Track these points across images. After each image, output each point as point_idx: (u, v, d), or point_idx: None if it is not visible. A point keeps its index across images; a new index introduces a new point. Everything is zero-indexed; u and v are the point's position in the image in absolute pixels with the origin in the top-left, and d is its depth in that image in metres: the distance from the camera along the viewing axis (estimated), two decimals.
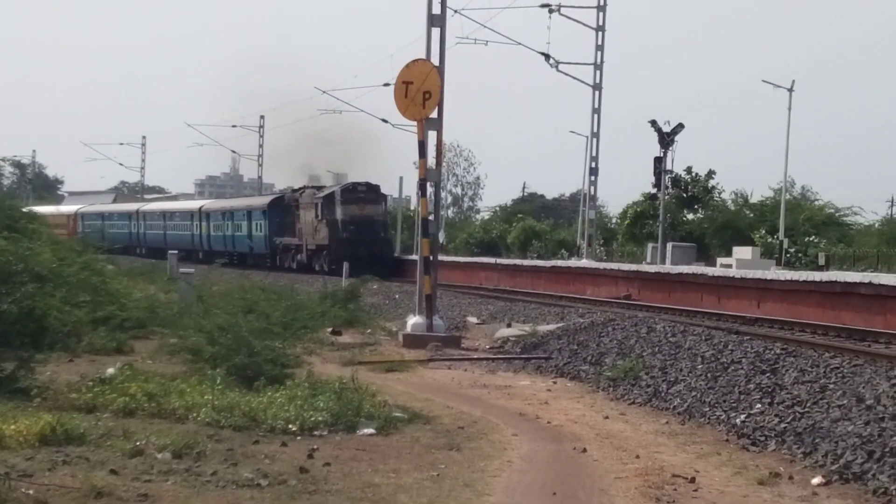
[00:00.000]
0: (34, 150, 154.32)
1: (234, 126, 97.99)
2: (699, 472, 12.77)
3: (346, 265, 53.32)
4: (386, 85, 46.73)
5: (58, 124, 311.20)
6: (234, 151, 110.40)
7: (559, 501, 11.26)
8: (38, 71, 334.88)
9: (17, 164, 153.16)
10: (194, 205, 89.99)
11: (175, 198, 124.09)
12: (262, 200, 75.88)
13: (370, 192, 62.08)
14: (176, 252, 63.52)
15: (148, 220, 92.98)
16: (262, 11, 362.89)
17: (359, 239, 58.19)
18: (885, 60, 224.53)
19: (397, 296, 40.85)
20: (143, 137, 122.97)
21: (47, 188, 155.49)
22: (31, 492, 10.08)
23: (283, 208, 70.22)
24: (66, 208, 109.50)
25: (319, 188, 68.53)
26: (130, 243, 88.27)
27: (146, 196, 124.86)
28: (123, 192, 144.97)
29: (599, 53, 54.89)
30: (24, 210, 34.34)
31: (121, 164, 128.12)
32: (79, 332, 20.01)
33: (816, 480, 12.44)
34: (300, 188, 72.20)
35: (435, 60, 28.08)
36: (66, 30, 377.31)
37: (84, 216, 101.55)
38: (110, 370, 17.77)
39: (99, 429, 13.28)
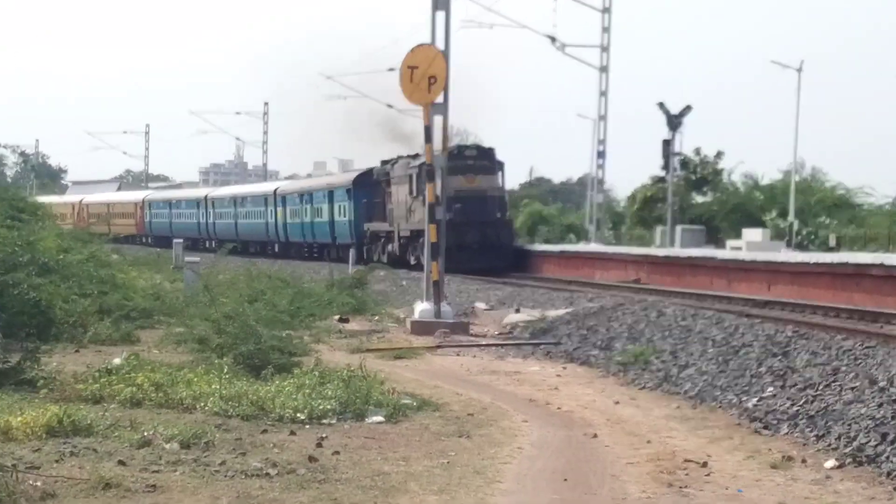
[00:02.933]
0: (37, 140, 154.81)
1: (237, 113, 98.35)
2: (711, 457, 12.76)
3: (351, 253, 51.39)
4: (391, 70, 45.65)
5: (61, 113, 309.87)
6: (238, 139, 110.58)
7: (570, 488, 11.25)
8: (40, 59, 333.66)
9: (21, 154, 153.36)
10: (269, 187, 75.66)
11: (179, 186, 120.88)
12: (347, 177, 62.47)
13: (482, 158, 47.65)
14: (181, 241, 61.99)
15: (217, 207, 79.98)
16: None
17: (467, 221, 44.72)
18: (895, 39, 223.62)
19: (404, 282, 40.62)
20: (147, 126, 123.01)
21: (51, 177, 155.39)
22: (38, 484, 10.09)
23: (371, 186, 57.05)
24: (133, 195, 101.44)
25: (414, 156, 50.86)
26: (199, 235, 78.52)
27: (150, 185, 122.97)
28: (128, 181, 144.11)
29: (606, 35, 55.18)
30: (28, 200, 34.33)
31: (124, 153, 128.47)
32: (84, 323, 20.04)
33: (829, 464, 12.43)
34: (392, 159, 56.22)
35: (440, 45, 28.06)
36: (68, 16, 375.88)
37: (151, 204, 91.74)
38: (116, 360, 17.80)
39: (106, 419, 13.30)
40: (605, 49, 54.96)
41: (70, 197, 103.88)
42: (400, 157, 55.09)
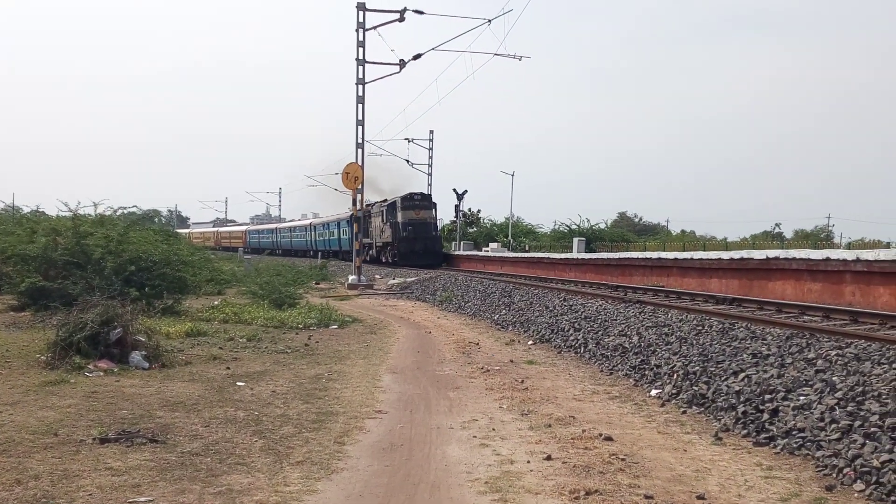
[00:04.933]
0: (176, 204, 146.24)
1: (267, 192, 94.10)
2: (480, 341, 12.87)
3: (319, 253, 50.06)
4: (337, 173, 43.57)
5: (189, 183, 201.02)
6: (268, 203, 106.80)
7: (420, 353, 11.26)
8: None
9: (169, 210, 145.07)
10: (307, 222, 61.00)
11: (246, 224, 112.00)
12: (347, 214, 47.91)
13: (424, 200, 38.50)
14: (242, 248, 58.84)
15: (282, 233, 65.03)
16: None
17: (415, 236, 36.92)
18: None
19: (343, 266, 40.04)
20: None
21: (182, 220, 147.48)
22: (183, 357, 9.77)
23: (359, 219, 48.41)
24: (241, 227, 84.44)
25: (384, 201, 41.99)
26: (272, 248, 66.10)
27: (229, 223, 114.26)
28: (219, 221, 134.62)
29: (431, 157, 55.03)
30: (173, 230, 32.73)
31: (215, 210, 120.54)
32: (201, 285, 19.29)
33: (530, 342, 12.66)
34: (372, 203, 43.61)
35: (360, 161, 27.84)
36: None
37: (249, 232, 76.61)
38: (216, 302, 17.35)
39: (213, 328, 12.90)
40: (430, 165, 54.99)
41: (212, 229, 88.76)
42: (376, 202, 44.80)
